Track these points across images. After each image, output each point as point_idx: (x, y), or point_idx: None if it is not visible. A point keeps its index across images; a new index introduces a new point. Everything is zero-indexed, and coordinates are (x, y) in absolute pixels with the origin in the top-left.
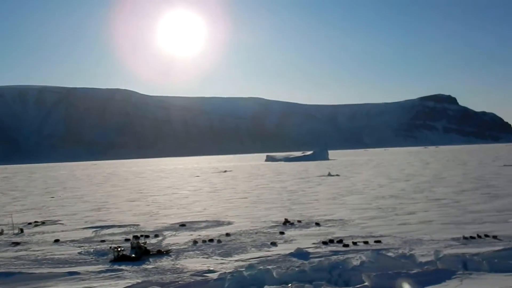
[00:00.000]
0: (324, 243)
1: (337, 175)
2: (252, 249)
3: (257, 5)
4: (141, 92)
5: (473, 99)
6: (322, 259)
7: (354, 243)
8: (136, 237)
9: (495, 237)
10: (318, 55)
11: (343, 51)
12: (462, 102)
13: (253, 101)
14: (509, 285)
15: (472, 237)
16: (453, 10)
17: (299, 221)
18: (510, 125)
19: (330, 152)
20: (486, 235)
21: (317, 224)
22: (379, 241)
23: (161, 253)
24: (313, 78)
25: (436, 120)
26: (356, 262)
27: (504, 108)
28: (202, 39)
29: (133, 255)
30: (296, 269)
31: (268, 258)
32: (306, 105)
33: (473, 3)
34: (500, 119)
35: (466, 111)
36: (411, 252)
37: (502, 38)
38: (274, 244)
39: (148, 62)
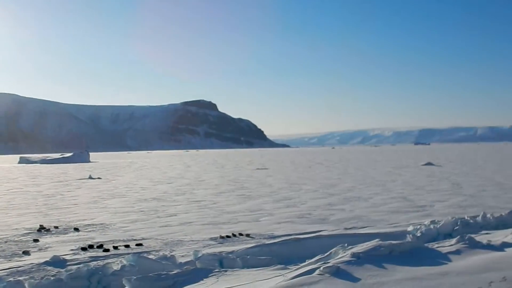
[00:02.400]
0: (83, 249)
1: (99, 178)
2: (0, 259)
3: None
4: None
5: (231, 106)
6: (81, 265)
7: (115, 248)
8: None
9: (248, 235)
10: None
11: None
12: (221, 108)
13: (6, 98)
14: (257, 278)
15: (228, 236)
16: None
17: (56, 227)
18: (262, 131)
19: (91, 154)
20: (240, 234)
21: (76, 229)
22: (140, 244)
23: None
24: (75, 77)
25: (198, 125)
26: (116, 267)
27: (258, 116)
28: None
29: None
30: (52, 278)
31: (20, 268)
32: (66, 104)
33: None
34: (255, 126)
35: (225, 117)
36: (172, 254)
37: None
38: (26, 253)
39: None
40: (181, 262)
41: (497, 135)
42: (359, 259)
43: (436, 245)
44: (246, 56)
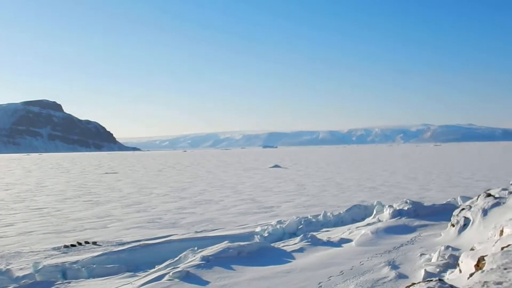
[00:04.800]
0: None
1: None
2: None
3: None
4: None
5: (78, 107)
6: None
7: None
8: None
9: (94, 243)
10: None
11: None
12: (67, 109)
13: None
14: None
15: (73, 245)
16: None
17: None
18: (112, 134)
19: None
20: (87, 242)
21: None
22: None
23: None
24: None
25: (40, 127)
26: None
27: (107, 118)
28: None
29: None
30: None
31: None
32: None
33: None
34: (103, 128)
35: (71, 119)
36: (8, 267)
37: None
38: None
39: None
40: (18, 276)
41: (336, 138)
42: (208, 262)
43: (282, 244)
44: (94, 56)
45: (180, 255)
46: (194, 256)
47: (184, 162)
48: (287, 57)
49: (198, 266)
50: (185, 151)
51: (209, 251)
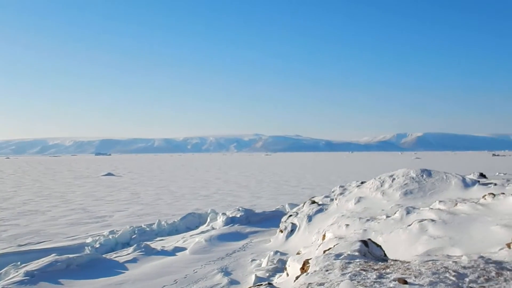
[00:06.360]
0: None
1: None
2: None
3: None
4: None
5: None
6: None
7: None
8: None
9: None
10: None
11: None
12: None
13: None
14: None
15: None
16: None
17: None
18: None
19: None
20: None
21: None
22: None
23: None
24: None
25: None
26: None
27: None
28: None
29: None
30: None
31: None
32: None
33: None
34: None
35: None
36: None
37: None
38: None
39: None
40: None
41: (171, 146)
42: (33, 278)
43: (115, 255)
44: None
45: (1, 272)
46: (17, 272)
47: (7, 170)
48: (122, 61)
49: (21, 283)
50: (8, 157)
51: (34, 265)
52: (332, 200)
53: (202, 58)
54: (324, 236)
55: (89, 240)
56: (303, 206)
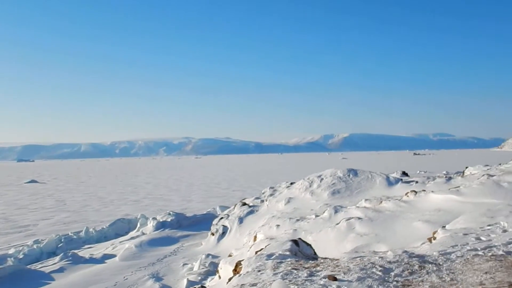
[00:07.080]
0: None
1: None
2: None
3: None
4: None
5: None
6: None
7: None
8: None
9: None
10: None
11: None
12: None
13: None
14: None
15: None
16: None
17: None
18: None
19: None
20: None
21: None
22: None
23: None
24: None
25: None
26: None
27: None
28: None
29: None
30: None
31: None
32: None
33: None
34: None
35: None
36: None
37: None
38: None
39: None
40: None
41: (99, 151)
42: None
43: (40, 265)
44: None
45: None
46: None
47: None
48: (44, 60)
49: None
50: None
51: None
52: (262, 201)
53: (130, 59)
54: (255, 237)
55: (11, 251)
56: (234, 208)
